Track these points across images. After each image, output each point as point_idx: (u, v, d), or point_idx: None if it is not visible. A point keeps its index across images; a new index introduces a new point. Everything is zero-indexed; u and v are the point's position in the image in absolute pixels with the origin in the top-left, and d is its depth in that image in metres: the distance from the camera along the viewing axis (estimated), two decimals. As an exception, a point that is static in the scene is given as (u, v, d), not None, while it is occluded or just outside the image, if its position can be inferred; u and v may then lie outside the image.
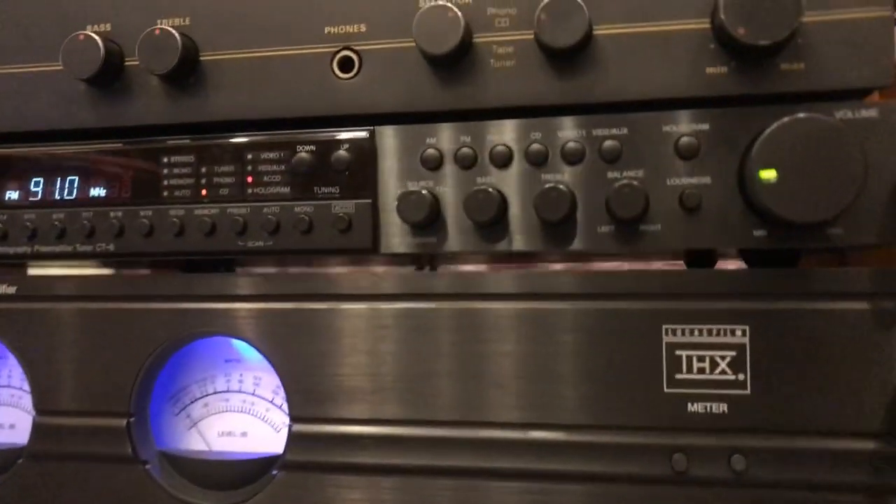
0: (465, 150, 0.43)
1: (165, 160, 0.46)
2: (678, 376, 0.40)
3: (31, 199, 0.48)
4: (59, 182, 0.47)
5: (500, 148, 0.42)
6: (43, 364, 0.47)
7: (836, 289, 0.39)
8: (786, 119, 0.37)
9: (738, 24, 0.38)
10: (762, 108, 0.40)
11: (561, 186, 0.40)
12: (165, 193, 0.46)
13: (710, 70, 0.40)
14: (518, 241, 0.42)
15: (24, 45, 0.48)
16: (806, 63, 0.40)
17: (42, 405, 0.47)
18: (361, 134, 0.44)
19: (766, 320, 0.40)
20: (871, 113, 0.39)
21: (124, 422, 0.46)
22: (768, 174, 0.37)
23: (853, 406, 0.39)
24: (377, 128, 0.44)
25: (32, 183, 0.48)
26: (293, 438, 0.44)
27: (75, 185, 0.47)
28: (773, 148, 0.37)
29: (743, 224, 0.40)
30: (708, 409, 0.40)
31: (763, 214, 0.39)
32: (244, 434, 0.48)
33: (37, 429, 0.47)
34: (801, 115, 0.37)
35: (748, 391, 0.40)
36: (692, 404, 0.40)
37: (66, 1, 0.47)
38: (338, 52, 0.44)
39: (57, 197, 0.47)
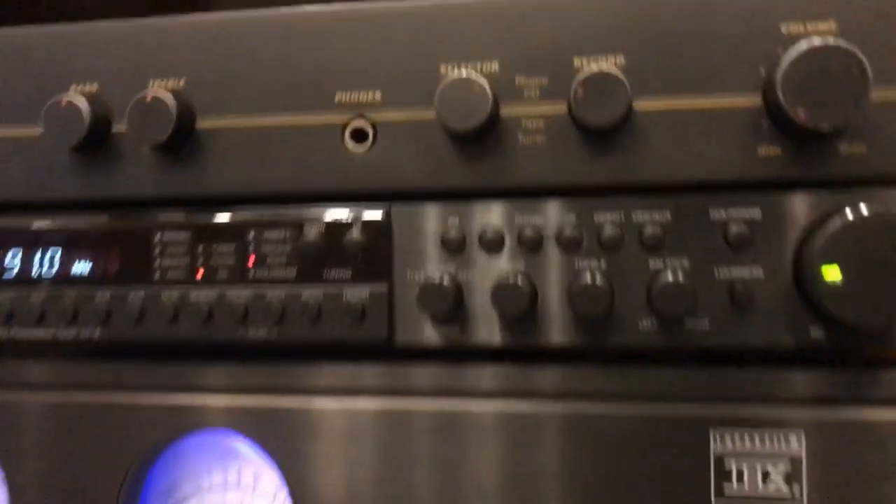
0: (491, 232, 0.39)
1: (157, 237, 0.42)
2: (727, 489, 0.37)
3: (5, 276, 0.43)
4: (38, 258, 0.43)
5: (529, 231, 0.38)
6: (21, 461, 0.43)
7: (904, 395, 0.36)
8: (851, 217, 0.34)
9: (797, 105, 0.34)
10: (819, 193, 0.36)
11: (598, 279, 0.37)
12: (157, 275, 0.41)
13: (762, 151, 0.37)
14: (550, 336, 0.38)
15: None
16: (868, 145, 0.36)
17: (18, 505, 0.43)
18: (376, 213, 0.40)
19: (825, 427, 0.36)
20: (942, 202, 0.35)
21: (110, 527, 0.42)
22: (832, 274, 0.33)
23: (921, 524, 0.35)
24: (393, 206, 0.40)
25: (8, 257, 0.43)
26: (299, 548, 0.40)
27: (56, 261, 0.43)
28: (839, 245, 0.34)
29: (799, 321, 0.36)
30: (760, 524, 0.36)
31: (822, 313, 0.35)
32: (243, 535, 0.44)
33: (13, 532, 0.43)
34: (868, 212, 0.34)
35: (805, 506, 0.36)
36: (743, 519, 0.37)
37: (50, 57, 0.43)
38: (350, 121, 0.40)
39: (35, 275, 0.43)
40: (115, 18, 0.43)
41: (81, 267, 0.42)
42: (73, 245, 0.42)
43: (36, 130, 0.42)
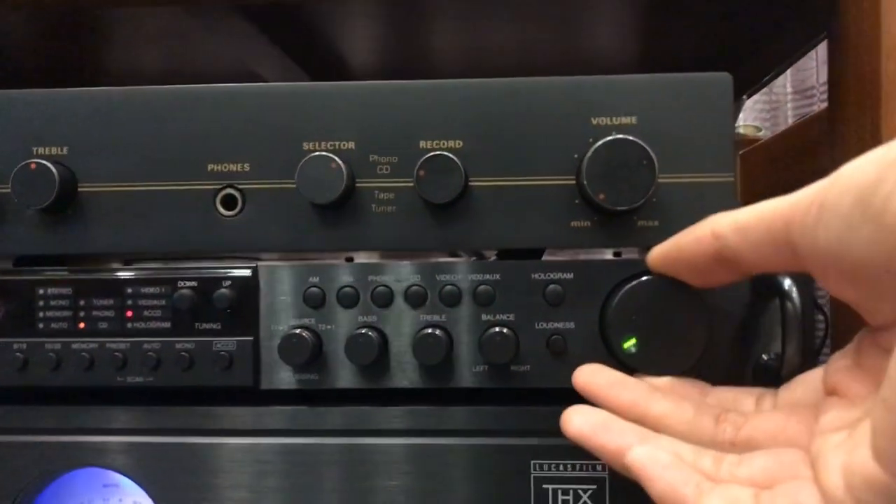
0: (347, 289, 0.44)
1: (41, 291, 0.45)
2: (545, 508, 0.44)
3: None
4: (-77, 309, 0.46)
5: (381, 289, 0.44)
6: None
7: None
8: (633, 283, 0.41)
9: (598, 191, 0.41)
10: (620, 259, 0.44)
11: (438, 332, 0.43)
12: (41, 325, 0.45)
13: (574, 223, 0.44)
14: (398, 379, 0.44)
15: None
16: (660, 220, 0.43)
17: None
18: (244, 272, 0.45)
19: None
20: (716, 269, 0.43)
21: (-7, 560, 0.45)
22: (629, 343, 0.41)
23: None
24: (260, 265, 0.45)
25: None
26: (173, 573, 0.44)
27: (-58, 311, 0.46)
28: (628, 311, 0.41)
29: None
30: (572, 538, 0.43)
31: (622, 362, 0.42)
32: (123, 560, 0.48)
33: None
34: (646, 277, 0.41)
35: (607, 522, 0.43)
36: (558, 534, 0.43)
37: (-66, 123, 0.46)
38: (221, 189, 0.45)
39: (-79, 324, 0.46)
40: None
41: (-33, 318, 0.45)
42: (-41, 298, 0.45)
43: (-79, 190, 0.45)
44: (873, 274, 0.29)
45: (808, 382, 0.36)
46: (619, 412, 0.38)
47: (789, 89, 1.73)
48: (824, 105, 1.36)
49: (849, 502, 0.29)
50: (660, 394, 0.39)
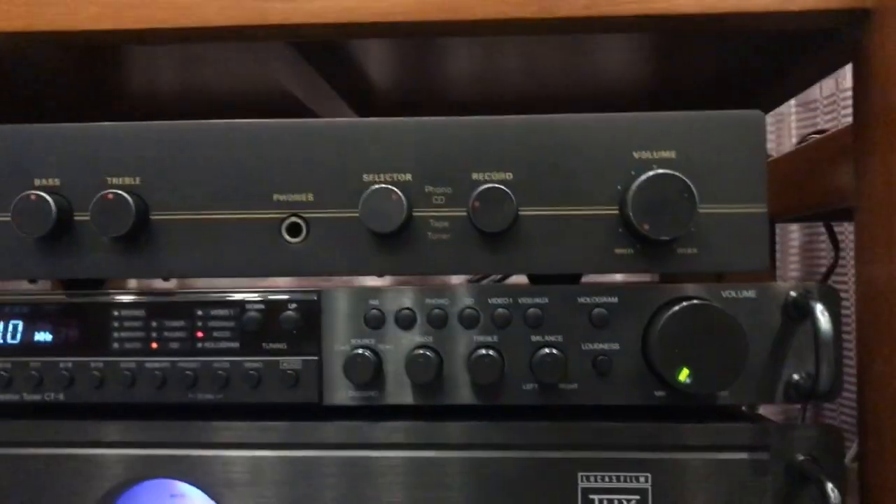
0: (405, 311, 0.47)
1: (116, 313, 0.48)
2: (591, 517, 0.47)
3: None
4: (1, 330, 0.48)
5: (437, 311, 0.47)
6: (-13, 509, 0.48)
7: (721, 442, 0.46)
8: (675, 309, 0.44)
9: (642, 222, 0.44)
10: (661, 285, 0.47)
11: (492, 353, 0.46)
12: (116, 345, 0.48)
13: (618, 251, 0.47)
14: (453, 396, 0.47)
15: (-32, 195, 0.49)
16: (699, 248, 0.46)
17: (-15, 549, 0.48)
18: (309, 295, 0.48)
19: (665, 468, 0.46)
20: (750, 293, 0.46)
21: (72, 565, 0.48)
22: (684, 375, 0.44)
23: (735, 541, 0.46)
24: (323, 289, 0.48)
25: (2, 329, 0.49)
26: (242, 578, 0.47)
27: (18, 333, 0.48)
28: (673, 339, 0.44)
29: (646, 385, 0.46)
30: (616, 545, 0.46)
31: (664, 379, 0.46)
32: (188, 566, 0.51)
33: (-21, 572, 0.48)
34: (686, 303, 0.44)
35: (650, 530, 0.46)
36: (603, 542, 0.46)
37: (15, 154, 0.48)
38: (286, 218, 0.48)
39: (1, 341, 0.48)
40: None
41: (48, 338, 0.48)
42: (41, 319, 0.48)
43: (2, 217, 0.48)
44: None
45: None
46: None
47: (793, 103, 1.76)
48: (828, 118, 1.39)
49: None
50: None
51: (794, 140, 1.50)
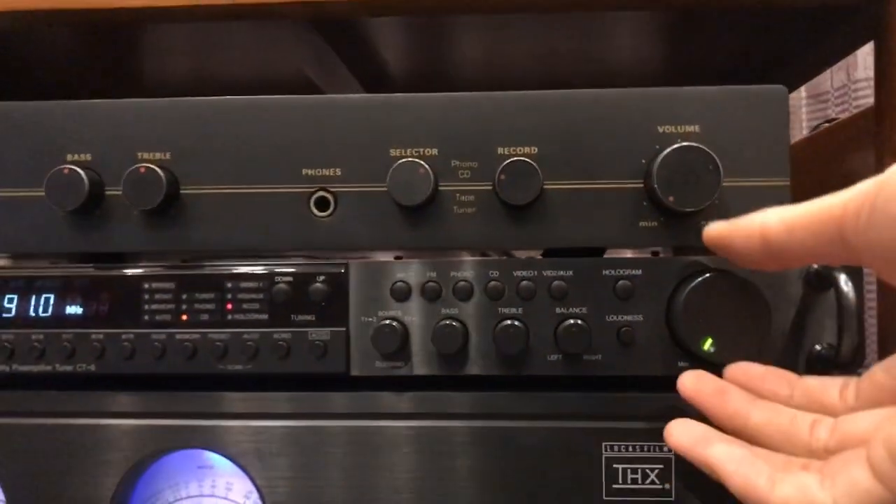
0: (430, 284, 0.48)
1: (146, 286, 0.49)
2: (615, 486, 0.47)
3: (4, 315, 0.49)
4: (34, 302, 0.49)
5: (462, 283, 0.48)
6: (20, 477, 0.49)
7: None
8: (698, 280, 0.45)
9: (667, 194, 0.45)
10: (684, 257, 0.47)
11: (517, 323, 0.46)
12: (146, 317, 0.49)
13: (642, 224, 0.47)
14: (477, 367, 0.48)
15: (2, 170, 0.49)
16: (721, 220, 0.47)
17: (19, 517, 0.49)
18: (336, 268, 0.48)
19: (687, 438, 0.47)
20: (773, 266, 0.47)
21: (104, 531, 0.49)
22: (708, 344, 0.44)
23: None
24: (350, 262, 0.49)
25: (6, 301, 0.50)
26: (271, 545, 0.48)
27: (51, 305, 0.49)
28: (696, 309, 0.45)
29: (669, 356, 0.47)
30: (640, 513, 0.47)
31: (687, 350, 0.46)
32: (217, 536, 0.52)
33: (13, 540, 0.49)
34: (709, 275, 0.45)
35: (673, 499, 0.47)
36: (627, 510, 0.47)
37: (47, 130, 0.49)
38: (314, 192, 0.48)
39: (33, 316, 0.49)
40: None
41: (79, 311, 0.49)
42: (72, 292, 0.49)
43: (36, 193, 0.49)
44: None
45: (887, 367, 0.39)
46: (721, 420, 0.42)
47: (804, 94, 1.76)
48: (839, 109, 1.39)
49: (892, 472, 0.32)
50: (759, 403, 0.41)
51: (804, 132, 1.50)
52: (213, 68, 0.76)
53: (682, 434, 0.41)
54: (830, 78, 1.53)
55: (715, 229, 0.42)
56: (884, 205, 0.33)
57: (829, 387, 0.41)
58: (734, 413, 0.41)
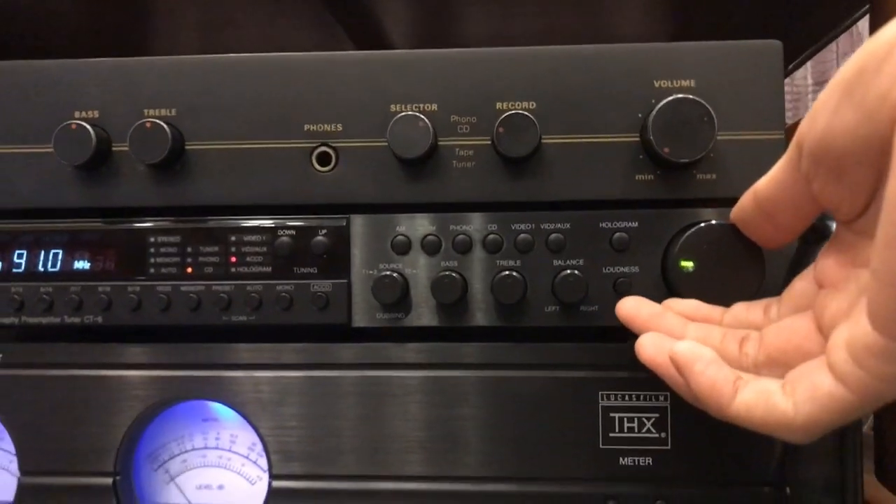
0: (430, 237, 0.49)
1: (152, 240, 0.50)
2: (612, 434, 0.48)
3: (14, 270, 0.51)
4: (42, 256, 0.50)
5: (461, 237, 0.49)
6: (29, 428, 0.50)
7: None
8: (701, 225, 0.45)
9: (663, 145, 0.46)
10: (681, 210, 0.48)
11: (515, 274, 0.47)
12: (152, 270, 0.50)
13: (638, 177, 0.48)
14: (476, 318, 0.49)
15: (12, 127, 0.50)
16: (717, 174, 0.48)
17: (27, 467, 0.50)
18: (338, 221, 0.49)
19: (683, 387, 0.47)
20: (767, 218, 0.47)
21: (110, 480, 0.50)
22: (687, 264, 0.45)
23: (751, 458, 0.47)
24: (352, 216, 0.49)
25: (15, 256, 0.51)
26: (273, 494, 0.49)
27: (59, 259, 0.50)
28: (691, 246, 0.45)
29: (665, 307, 0.48)
30: (636, 462, 0.48)
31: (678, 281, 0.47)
32: (221, 487, 0.53)
33: (21, 489, 0.50)
34: (712, 222, 0.45)
35: (669, 447, 0.48)
36: (623, 458, 0.48)
37: (56, 88, 0.50)
38: (316, 147, 0.49)
39: (41, 269, 0.50)
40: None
41: (87, 265, 0.50)
42: (80, 246, 0.50)
43: (44, 149, 0.50)
44: (851, 165, 0.33)
45: (804, 277, 0.41)
46: None
47: (810, 81, 1.76)
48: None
49: (854, 372, 0.32)
50: (692, 324, 0.43)
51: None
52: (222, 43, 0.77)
53: (649, 345, 0.41)
54: (836, 64, 1.53)
55: (736, 207, 0.43)
56: (826, 95, 0.33)
57: (754, 307, 0.43)
58: (669, 333, 0.42)
